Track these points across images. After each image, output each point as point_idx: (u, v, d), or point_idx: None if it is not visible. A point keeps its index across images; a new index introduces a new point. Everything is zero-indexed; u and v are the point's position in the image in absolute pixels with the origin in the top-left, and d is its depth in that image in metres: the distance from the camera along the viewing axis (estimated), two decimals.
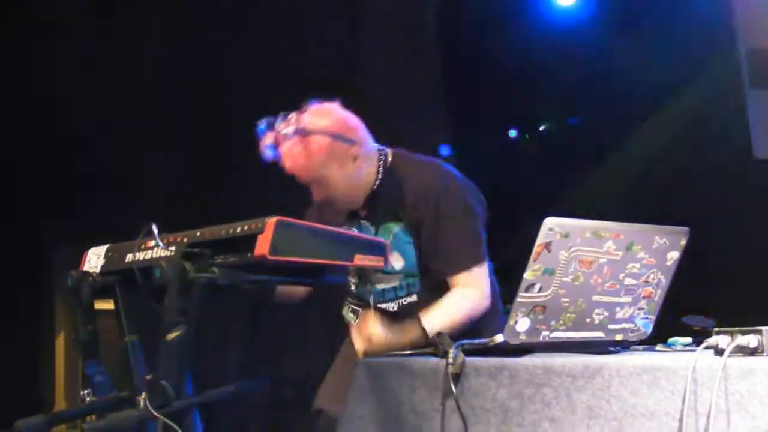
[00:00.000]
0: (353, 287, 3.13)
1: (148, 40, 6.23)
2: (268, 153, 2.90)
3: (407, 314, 2.97)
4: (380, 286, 3.06)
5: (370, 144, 3.04)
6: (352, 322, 3.15)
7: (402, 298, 3.05)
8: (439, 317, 2.80)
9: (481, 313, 2.91)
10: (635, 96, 5.06)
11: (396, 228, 3.00)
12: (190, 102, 6.04)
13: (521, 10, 5.67)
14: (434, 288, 2.96)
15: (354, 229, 3.08)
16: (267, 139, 2.90)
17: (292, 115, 2.90)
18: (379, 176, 3.03)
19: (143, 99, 6.18)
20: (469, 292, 2.91)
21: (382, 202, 3.03)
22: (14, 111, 6.23)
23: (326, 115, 2.96)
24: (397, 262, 3.00)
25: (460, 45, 5.80)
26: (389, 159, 3.06)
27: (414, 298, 3.04)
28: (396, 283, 3.04)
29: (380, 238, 2.72)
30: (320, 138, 2.90)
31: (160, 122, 6.22)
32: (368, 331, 2.75)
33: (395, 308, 3.06)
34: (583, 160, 5.27)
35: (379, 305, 3.07)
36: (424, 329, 2.73)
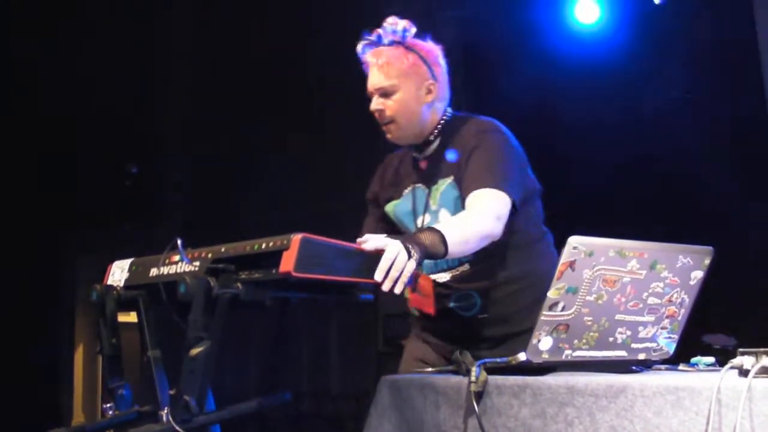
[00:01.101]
0: None
1: (169, 50, 6.27)
2: (361, 48, 3.03)
3: (459, 285, 2.95)
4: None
5: (446, 94, 3.09)
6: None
7: (454, 267, 2.97)
8: (453, 227, 2.67)
9: (491, 240, 2.77)
10: (659, 112, 5.05)
11: (444, 185, 2.98)
12: (214, 115, 6.07)
13: (542, 29, 5.68)
14: (487, 256, 2.86)
15: (407, 193, 3.09)
16: (371, 37, 3.01)
17: (403, 24, 3.01)
18: (438, 127, 3.05)
19: (165, 112, 6.23)
20: (475, 212, 2.77)
21: (436, 157, 3.04)
22: (36, 123, 6.29)
23: (426, 45, 3.06)
24: (445, 218, 2.95)
25: (481, 62, 5.82)
26: (451, 117, 3.09)
27: (466, 267, 2.96)
28: None
29: None
30: (412, 55, 2.99)
31: (183, 135, 6.27)
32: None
33: (448, 278, 2.98)
34: (605, 176, 5.26)
35: (430, 276, 3.00)
36: (440, 233, 2.58)
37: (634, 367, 2.31)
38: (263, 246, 2.29)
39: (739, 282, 4.34)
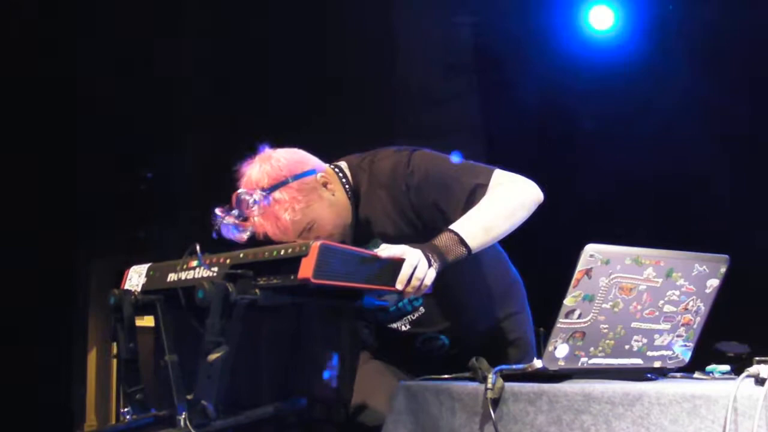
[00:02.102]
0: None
1: (186, 52, 6.29)
2: (231, 233, 2.67)
3: (420, 330, 2.92)
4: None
5: (325, 165, 2.86)
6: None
7: (409, 313, 2.91)
8: (467, 222, 2.55)
9: (536, 202, 2.64)
10: (675, 118, 5.04)
11: (376, 245, 2.77)
12: (229, 120, 6.08)
13: (555, 35, 5.68)
14: (438, 292, 2.62)
15: None
16: (226, 221, 2.65)
17: (242, 192, 2.70)
18: (349, 193, 2.82)
19: (182, 116, 6.24)
20: (488, 196, 2.63)
21: (362, 222, 2.85)
22: (51, 126, 6.32)
23: (268, 164, 2.75)
24: None
25: (493, 68, 5.82)
26: (346, 172, 2.87)
27: (422, 311, 2.90)
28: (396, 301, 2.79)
29: None
30: (285, 189, 2.70)
31: (200, 139, 6.28)
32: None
33: (407, 327, 2.93)
34: (620, 183, 5.26)
35: (389, 326, 2.95)
36: (456, 234, 2.52)
37: (649, 375, 2.31)
38: (282, 252, 2.30)
39: (754, 289, 4.33)
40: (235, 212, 2.67)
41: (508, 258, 3.09)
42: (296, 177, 2.73)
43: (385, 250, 2.44)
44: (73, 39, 5.97)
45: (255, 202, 2.66)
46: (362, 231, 2.84)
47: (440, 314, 2.90)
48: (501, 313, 3.03)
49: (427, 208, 2.75)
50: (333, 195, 2.80)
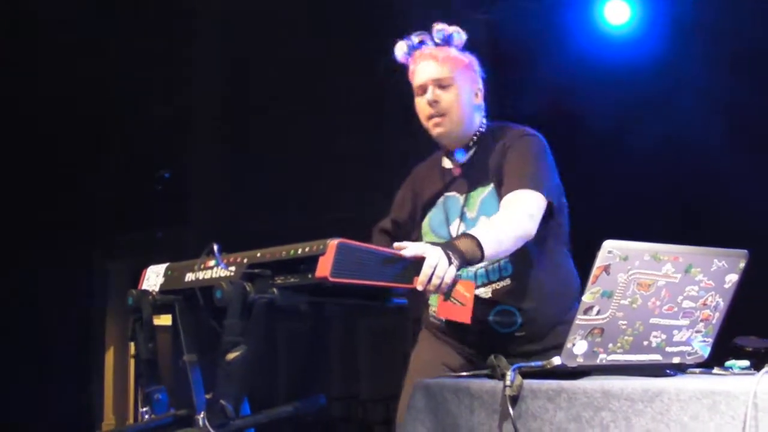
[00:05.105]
0: None
1: (201, 55, 6.30)
2: (402, 51, 3.03)
3: (501, 300, 2.92)
4: (471, 269, 2.91)
5: (483, 104, 3.10)
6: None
7: (494, 282, 2.93)
8: (486, 230, 2.66)
9: (526, 239, 2.77)
10: (694, 116, 5.02)
11: (484, 192, 2.96)
12: (246, 120, 6.10)
13: (571, 30, 5.67)
14: (527, 269, 2.88)
15: (440, 203, 3.06)
16: (414, 39, 3.02)
17: (454, 28, 3.05)
18: (477, 134, 3.05)
19: (198, 117, 6.26)
20: (508, 213, 2.78)
21: (472, 164, 3.03)
22: (69, 129, 6.34)
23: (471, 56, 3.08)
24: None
25: (509, 64, 5.81)
26: (487, 127, 3.09)
27: (507, 282, 2.92)
28: (487, 265, 2.91)
29: None
30: (467, 56, 3.04)
31: (216, 140, 6.30)
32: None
33: (489, 294, 2.93)
34: (635, 181, 5.25)
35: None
36: (475, 238, 2.57)
37: (668, 371, 2.30)
38: (299, 251, 2.30)
39: None
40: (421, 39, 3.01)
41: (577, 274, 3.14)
42: (474, 66, 3.06)
43: (408, 249, 2.44)
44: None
45: (445, 36, 3.01)
46: (469, 172, 3.04)
47: (523, 291, 2.92)
48: (564, 316, 3.02)
49: (500, 165, 2.95)
50: (474, 105, 3.04)
